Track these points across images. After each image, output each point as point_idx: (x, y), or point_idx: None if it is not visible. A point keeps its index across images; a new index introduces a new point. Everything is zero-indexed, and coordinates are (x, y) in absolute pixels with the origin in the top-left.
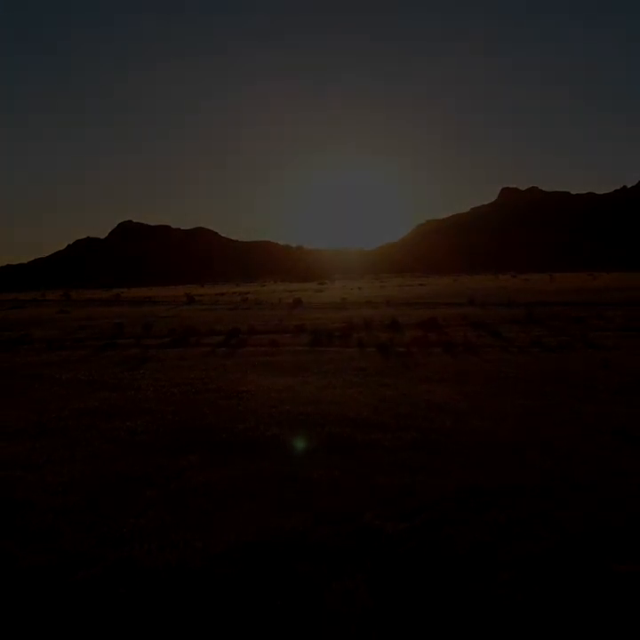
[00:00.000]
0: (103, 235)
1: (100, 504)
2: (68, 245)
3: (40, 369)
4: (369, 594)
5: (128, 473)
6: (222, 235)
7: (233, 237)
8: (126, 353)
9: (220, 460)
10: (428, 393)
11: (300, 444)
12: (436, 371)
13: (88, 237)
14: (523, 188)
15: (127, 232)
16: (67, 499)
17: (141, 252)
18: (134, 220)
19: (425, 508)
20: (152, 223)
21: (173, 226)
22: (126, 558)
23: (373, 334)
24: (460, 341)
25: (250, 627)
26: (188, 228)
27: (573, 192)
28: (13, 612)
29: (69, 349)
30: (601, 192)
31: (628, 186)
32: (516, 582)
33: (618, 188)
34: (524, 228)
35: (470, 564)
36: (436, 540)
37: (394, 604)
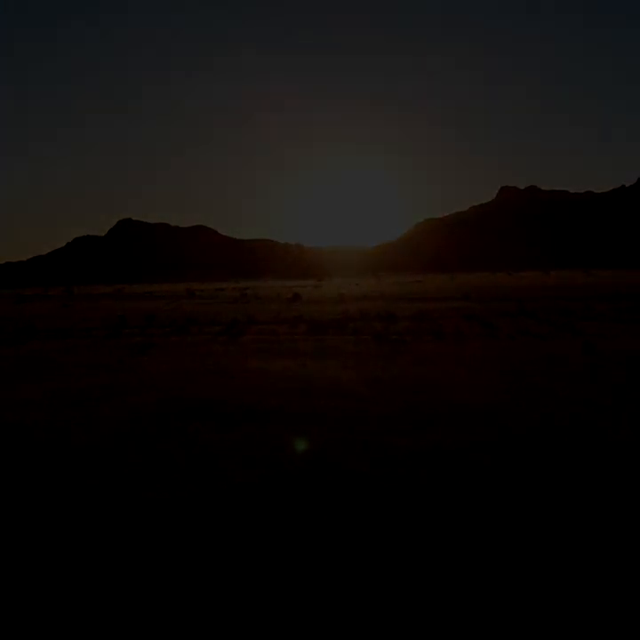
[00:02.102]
0: (103, 233)
1: (120, 458)
2: (68, 243)
3: (50, 355)
4: (350, 512)
5: (141, 435)
6: (222, 233)
7: (232, 235)
8: (131, 341)
9: (223, 426)
10: (417, 373)
11: (297, 413)
12: (426, 355)
13: (88, 235)
14: (521, 186)
15: (127, 230)
16: (90, 454)
17: (141, 250)
18: (134, 218)
19: (405, 458)
20: (151, 221)
21: (172, 224)
22: (147, 496)
23: (369, 325)
24: (452, 331)
25: (252, 534)
26: (187, 225)
27: (572, 191)
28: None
29: (76, 338)
30: (599, 191)
31: (627, 185)
32: (469, 507)
33: (616, 186)
34: (523, 226)
35: (435, 493)
36: (408, 479)
37: (365, 516)
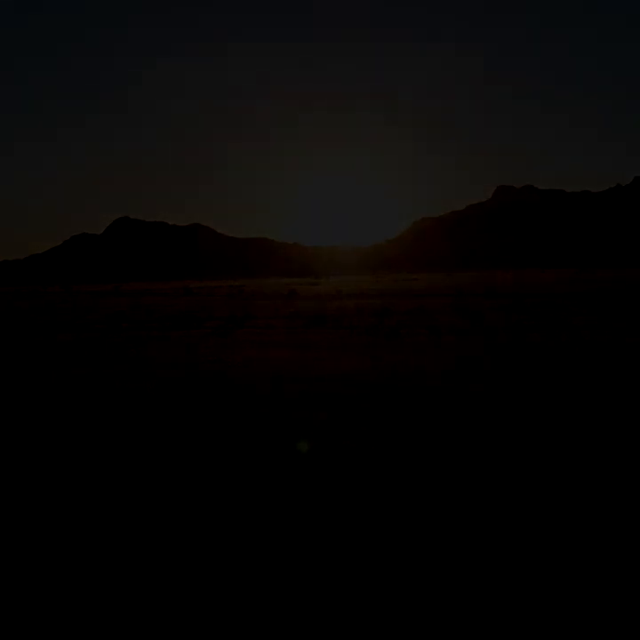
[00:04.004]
0: (99, 231)
1: (129, 431)
2: (65, 241)
3: (54, 347)
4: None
5: (147, 413)
6: (219, 231)
7: (230, 234)
8: (131, 334)
9: (222, 406)
10: (404, 361)
11: (290, 395)
12: (417, 346)
13: (84, 233)
14: (518, 185)
15: (123, 228)
16: (91, 432)
17: (138, 249)
18: (131, 217)
19: (379, 428)
20: (148, 219)
21: (170, 222)
22: (159, 448)
23: (364, 319)
24: (444, 324)
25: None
26: (184, 224)
27: (568, 190)
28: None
29: (76, 332)
30: (596, 191)
31: (623, 185)
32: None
33: (612, 186)
34: (519, 225)
35: (398, 443)
36: (384, 441)
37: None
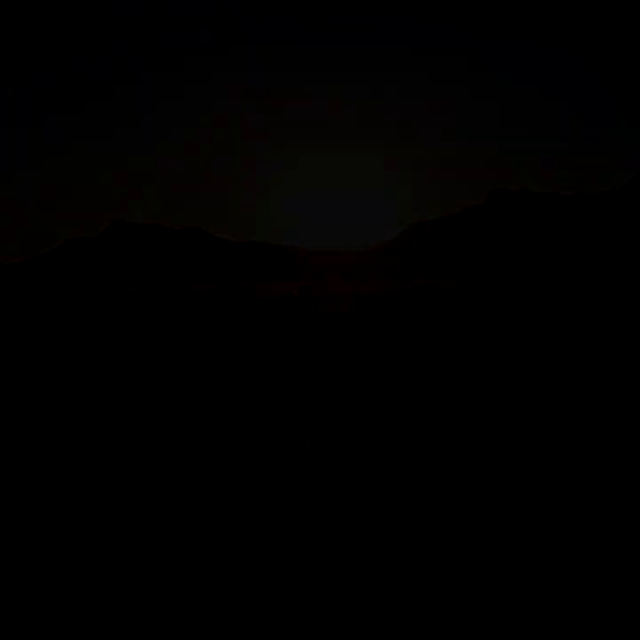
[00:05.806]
0: (95, 234)
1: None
2: (60, 245)
3: None
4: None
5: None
6: (216, 235)
7: (226, 238)
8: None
9: (226, 401)
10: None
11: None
12: (410, 344)
13: (79, 237)
14: (513, 188)
15: (119, 232)
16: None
17: (133, 252)
18: (127, 220)
19: (349, 412)
20: (145, 223)
21: (165, 225)
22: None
23: (359, 318)
24: (438, 323)
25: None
26: (180, 227)
27: (563, 193)
28: None
29: None
30: (591, 194)
31: (618, 187)
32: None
33: (607, 189)
34: (514, 228)
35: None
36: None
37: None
